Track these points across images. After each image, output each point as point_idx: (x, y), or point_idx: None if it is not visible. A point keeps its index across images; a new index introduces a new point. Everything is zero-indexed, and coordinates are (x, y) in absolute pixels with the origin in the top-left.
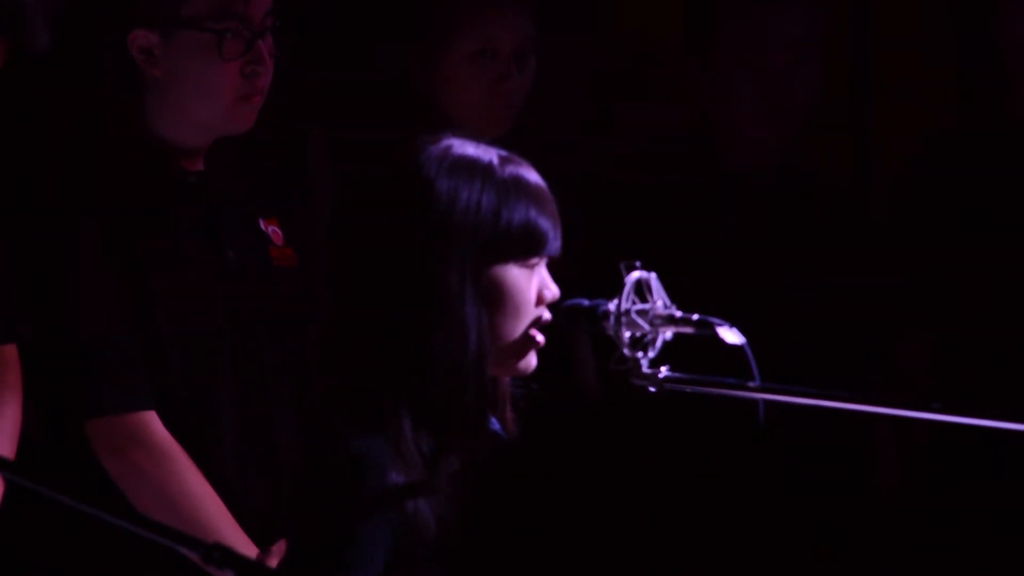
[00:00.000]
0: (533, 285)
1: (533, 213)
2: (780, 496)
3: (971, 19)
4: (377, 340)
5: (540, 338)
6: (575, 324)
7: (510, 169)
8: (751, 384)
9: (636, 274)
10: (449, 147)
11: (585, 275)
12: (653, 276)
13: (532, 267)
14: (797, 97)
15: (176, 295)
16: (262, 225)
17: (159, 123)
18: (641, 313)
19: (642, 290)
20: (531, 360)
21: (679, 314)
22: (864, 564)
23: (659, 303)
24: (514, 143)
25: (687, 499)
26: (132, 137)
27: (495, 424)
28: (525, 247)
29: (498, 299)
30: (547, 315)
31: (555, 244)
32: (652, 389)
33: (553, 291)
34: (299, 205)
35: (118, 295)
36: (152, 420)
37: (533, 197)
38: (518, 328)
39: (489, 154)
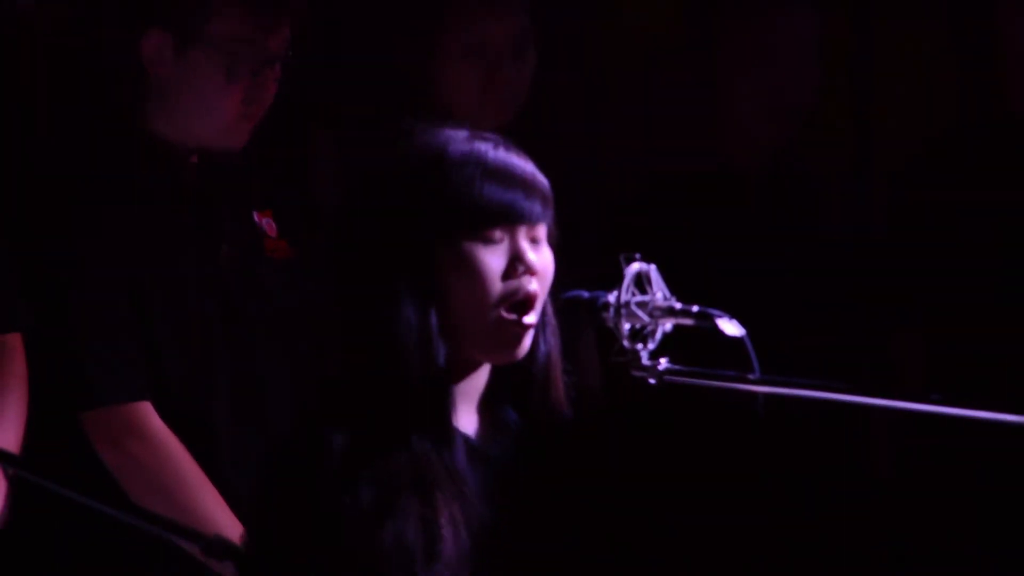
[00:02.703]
0: (495, 259)
1: (487, 184)
2: (777, 487)
3: (971, 19)
4: (343, 328)
5: (526, 319)
6: (574, 316)
7: (468, 144)
8: (751, 376)
9: (636, 266)
10: (429, 132)
11: (585, 271)
12: (653, 268)
13: (495, 241)
14: (797, 97)
15: (171, 288)
16: (256, 218)
17: (157, 122)
18: (641, 305)
19: (642, 282)
20: (515, 344)
21: (679, 306)
22: (860, 556)
23: (659, 295)
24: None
25: (686, 490)
26: (130, 132)
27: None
28: (474, 218)
29: (454, 276)
30: (528, 288)
31: (520, 214)
32: (652, 381)
33: (528, 263)
34: (294, 197)
35: (113, 288)
36: (148, 411)
37: (490, 168)
38: (483, 306)
39: (460, 131)
